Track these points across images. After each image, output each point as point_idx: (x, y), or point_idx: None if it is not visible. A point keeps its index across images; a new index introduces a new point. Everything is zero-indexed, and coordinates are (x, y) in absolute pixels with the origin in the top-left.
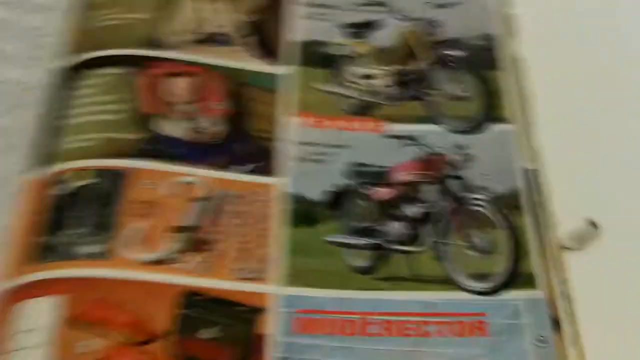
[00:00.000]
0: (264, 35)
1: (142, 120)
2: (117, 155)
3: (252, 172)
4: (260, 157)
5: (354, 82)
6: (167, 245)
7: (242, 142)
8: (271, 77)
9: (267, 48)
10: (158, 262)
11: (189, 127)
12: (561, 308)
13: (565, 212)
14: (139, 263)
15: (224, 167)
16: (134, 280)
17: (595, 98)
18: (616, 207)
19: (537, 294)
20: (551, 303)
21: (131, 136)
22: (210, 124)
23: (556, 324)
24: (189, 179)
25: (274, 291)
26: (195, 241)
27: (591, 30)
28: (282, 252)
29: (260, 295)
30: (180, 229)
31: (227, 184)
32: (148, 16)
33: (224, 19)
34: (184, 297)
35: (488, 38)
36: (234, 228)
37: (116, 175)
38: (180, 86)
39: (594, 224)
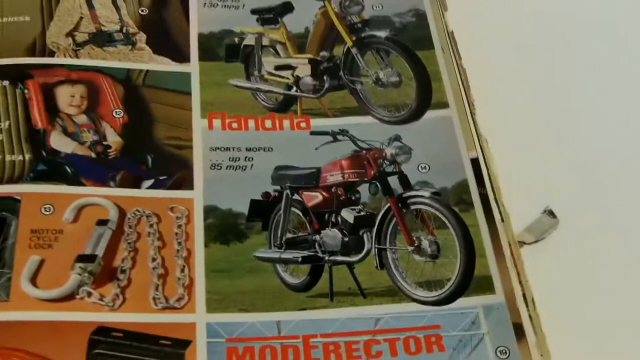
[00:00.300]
0: (163, 30)
1: (33, 137)
2: (8, 181)
3: (163, 186)
4: (170, 169)
5: (270, 75)
6: (73, 278)
7: (149, 153)
8: (175, 76)
9: (168, 44)
10: (64, 299)
11: (87, 141)
12: (523, 312)
13: (517, 203)
14: (41, 301)
15: (130, 183)
16: (38, 321)
17: (538, 73)
18: (571, 194)
19: (496, 298)
20: (512, 308)
21: (22, 157)
22: (111, 136)
23: (519, 330)
24: (93, 200)
25: (198, 320)
26: (105, 271)
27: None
28: (204, 274)
29: (184, 325)
30: (87, 258)
31: (136, 202)
32: (30, 18)
33: (116, 15)
34: (96, 335)
35: (417, 13)
36: (147, 251)
37: (9, 203)
38: (73, 95)
39: (551, 214)
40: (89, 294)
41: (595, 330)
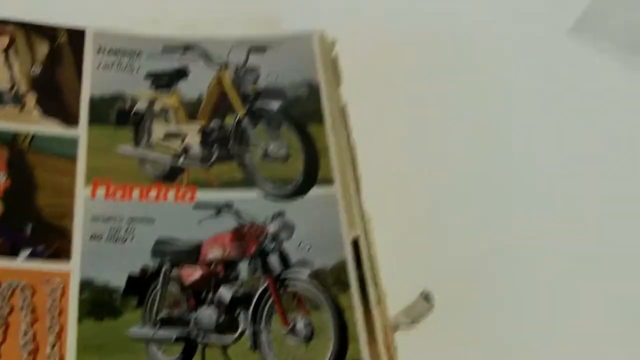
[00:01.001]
0: (54, 90)
1: None
2: None
3: (41, 256)
4: (49, 238)
5: (158, 142)
6: None
7: (29, 221)
8: (62, 140)
9: (59, 105)
10: None
11: None
12: None
13: (394, 285)
14: None
15: (8, 252)
16: None
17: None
18: (449, 277)
19: None
20: None
21: None
22: None
23: None
24: None
25: None
26: None
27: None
28: (75, 351)
29: None
30: None
31: (11, 273)
32: None
33: (4, 73)
34: None
35: (311, 86)
36: (20, 326)
37: None
38: None
39: (427, 298)
40: None
41: None
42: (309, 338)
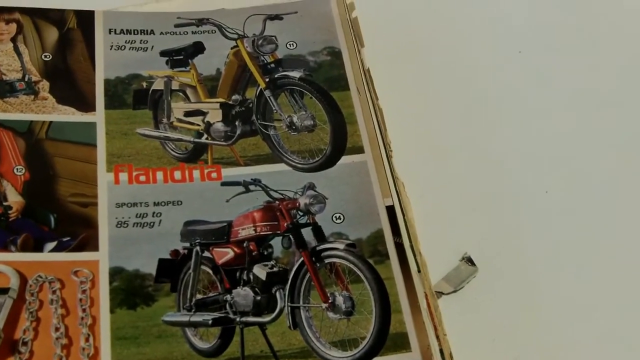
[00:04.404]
0: (67, 77)
1: None
2: None
3: (67, 248)
4: (74, 229)
5: (179, 122)
6: None
7: (51, 213)
8: (80, 126)
9: (73, 92)
10: None
11: None
12: None
13: (436, 251)
14: None
15: (32, 246)
16: None
17: (459, 112)
18: (491, 241)
19: (411, 356)
20: None
21: None
22: (11, 195)
23: None
24: None
25: None
26: (5, 344)
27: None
28: (110, 342)
29: None
30: None
31: (38, 267)
32: None
33: (14, 62)
34: None
35: (332, 51)
36: (50, 321)
37: None
38: None
39: (470, 261)
40: None
41: None
42: (350, 312)
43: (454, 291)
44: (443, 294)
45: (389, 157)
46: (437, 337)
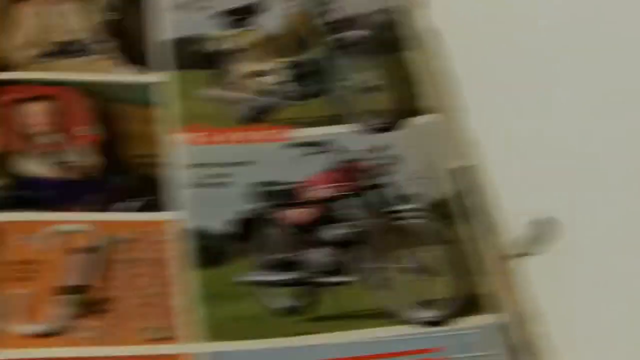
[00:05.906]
0: (127, 37)
1: None
2: None
3: (140, 208)
4: (146, 189)
5: (243, 82)
6: (54, 312)
7: (122, 173)
8: (144, 88)
9: (134, 52)
10: (47, 335)
11: (55, 163)
12: (529, 331)
13: (516, 212)
14: (23, 338)
15: (105, 207)
16: (25, 359)
17: (533, 71)
18: (571, 199)
19: (499, 318)
20: (517, 326)
21: None
22: (80, 156)
23: (527, 350)
24: (67, 227)
25: (190, 350)
26: (87, 302)
27: None
28: (192, 301)
29: (175, 357)
30: (67, 290)
31: (112, 227)
32: None
33: (75, 23)
34: None
35: (393, 11)
36: (130, 280)
37: None
38: (37, 113)
39: (546, 224)
40: (77, 328)
41: (609, 345)
42: (424, 273)
43: (531, 253)
44: (525, 255)
45: (460, 118)
46: (522, 299)
